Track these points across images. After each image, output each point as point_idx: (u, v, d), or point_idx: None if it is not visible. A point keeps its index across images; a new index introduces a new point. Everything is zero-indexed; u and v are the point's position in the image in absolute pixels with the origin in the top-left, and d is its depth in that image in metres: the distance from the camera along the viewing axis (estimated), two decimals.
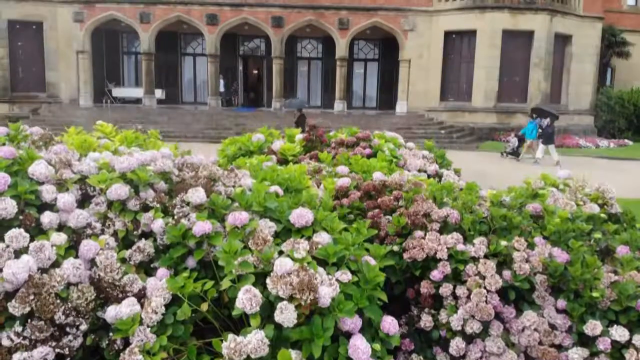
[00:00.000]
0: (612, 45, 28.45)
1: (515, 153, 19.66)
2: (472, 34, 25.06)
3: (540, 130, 18.76)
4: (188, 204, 2.97)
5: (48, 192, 2.80)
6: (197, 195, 2.93)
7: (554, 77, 25.93)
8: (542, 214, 3.64)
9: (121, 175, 3.02)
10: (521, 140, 19.65)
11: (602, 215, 3.68)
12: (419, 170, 5.30)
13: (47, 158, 3.20)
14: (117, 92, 28.38)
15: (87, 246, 2.67)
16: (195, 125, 23.11)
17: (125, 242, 2.92)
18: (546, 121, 19.02)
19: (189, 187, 3.08)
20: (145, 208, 3.00)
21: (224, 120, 23.72)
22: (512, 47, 24.83)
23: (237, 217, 2.78)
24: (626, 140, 26.15)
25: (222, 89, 27.71)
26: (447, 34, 25.68)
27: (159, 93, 27.81)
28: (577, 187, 4.07)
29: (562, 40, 25.82)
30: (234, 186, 3.31)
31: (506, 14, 24.43)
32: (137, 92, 27.83)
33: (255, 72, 31.34)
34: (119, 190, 2.88)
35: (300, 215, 2.90)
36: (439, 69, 26.04)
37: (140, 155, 3.26)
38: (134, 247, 2.81)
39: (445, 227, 3.36)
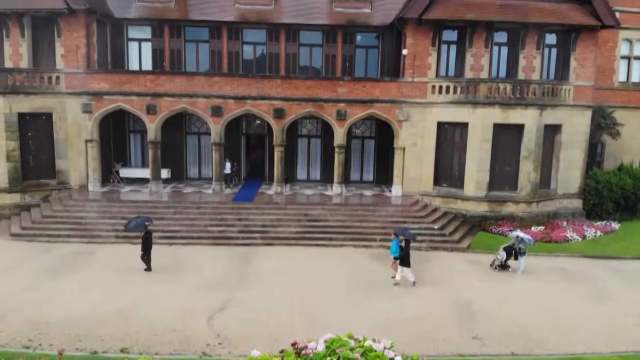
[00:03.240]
0: (602, 127, 29.49)
1: (504, 266, 20.73)
2: (464, 125, 26.17)
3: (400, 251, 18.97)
4: None
5: None
6: None
7: (544, 163, 27.02)
8: None
9: None
10: (509, 253, 20.71)
11: None
12: None
13: None
14: (124, 172, 29.56)
15: None
16: (200, 222, 24.18)
17: None
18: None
19: None
20: None
21: (227, 215, 24.77)
22: (502, 140, 25.94)
23: None
24: (613, 225, 27.16)
25: (228, 170, 28.83)
26: (440, 124, 26.81)
27: (165, 173, 29.00)
28: None
29: (552, 129, 26.91)
30: None
31: (497, 109, 25.51)
32: (144, 173, 28.98)
33: (258, 148, 32.35)
34: None
35: None
36: (432, 157, 27.18)
37: None
38: None
39: None
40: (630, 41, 31.48)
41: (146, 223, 20.07)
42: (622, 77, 31.68)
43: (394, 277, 19.15)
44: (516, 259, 20.84)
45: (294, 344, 9.47)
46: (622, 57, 31.55)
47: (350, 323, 15.63)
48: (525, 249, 20.71)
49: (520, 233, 21.10)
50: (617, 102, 31.07)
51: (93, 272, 19.58)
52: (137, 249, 22.14)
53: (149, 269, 19.57)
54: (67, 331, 14.74)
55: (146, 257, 19.60)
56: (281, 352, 9.11)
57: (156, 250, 22.03)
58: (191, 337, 14.90)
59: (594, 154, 30.94)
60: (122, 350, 13.67)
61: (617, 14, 30.50)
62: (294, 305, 16.88)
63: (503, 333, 15.58)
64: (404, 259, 18.68)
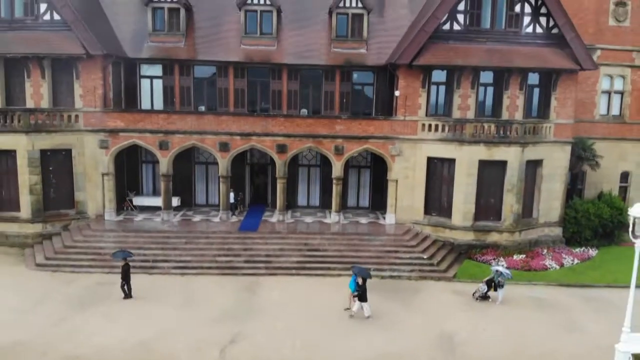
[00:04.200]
0: (582, 158, 31.63)
1: (485, 297, 22.96)
2: (452, 160, 28.36)
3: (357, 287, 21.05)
4: None
5: None
6: None
7: (526, 194, 29.12)
8: None
9: None
10: (489, 285, 22.92)
11: None
12: None
13: None
14: (137, 201, 31.76)
15: None
16: (209, 252, 26.38)
17: None
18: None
19: None
20: None
21: (234, 245, 26.95)
22: (487, 174, 28.11)
23: None
24: (590, 252, 29.32)
25: (232, 200, 30.97)
26: (430, 159, 29.03)
27: (175, 201, 31.20)
28: None
29: (534, 164, 29.04)
30: None
31: (482, 147, 27.66)
32: (156, 201, 31.15)
33: (261, 176, 34.43)
34: None
35: None
36: (422, 188, 29.38)
37: None
38: None
39: None
40: (611, 77, 33.58)
41: (128, 256, 22.72)
42: (602, 110, 33.80)
43: (348, 309, 21.42)
44: (495, 290, 23.06)
45: None
46: (603, 92, 33.65)
47: (345, 356, 17.90)
48: (503, 282, 22.92)
49: (500, 267, 23.36)
50: (598, 134, 33.19)
51: (115, 303, 21.76)
52: (152, 279, 24.43)
53: (127, 296, 22.14)
54: None
55: (126, 286, 22.15)
56: None
57: (171, 281, 24.34)
58: None
59: (575, 183, 33.11)
60: None
61: (599, 52, 32.86)
62: (296, 338, 19.08)
63: None
64: (362, 295, 20.97)
